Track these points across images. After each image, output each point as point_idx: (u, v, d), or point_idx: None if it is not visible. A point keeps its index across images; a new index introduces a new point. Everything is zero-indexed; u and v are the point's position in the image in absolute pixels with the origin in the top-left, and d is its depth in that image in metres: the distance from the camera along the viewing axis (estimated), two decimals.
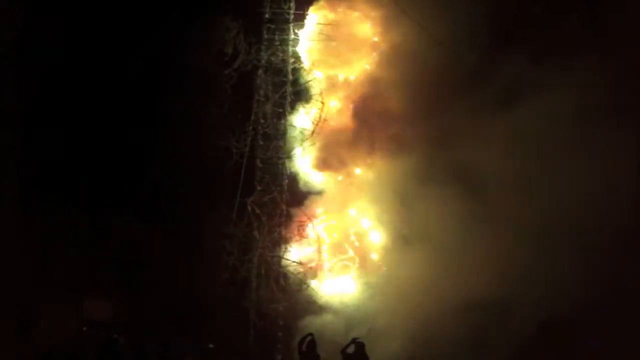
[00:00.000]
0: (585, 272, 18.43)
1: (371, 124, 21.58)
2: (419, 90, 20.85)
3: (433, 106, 20.89)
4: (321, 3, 22.17)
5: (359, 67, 22.08)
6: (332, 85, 22.06)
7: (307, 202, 21.70)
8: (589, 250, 18.54)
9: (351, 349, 15.94)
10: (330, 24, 21.99)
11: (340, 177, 21.83)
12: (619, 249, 18.79)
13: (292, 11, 22.06)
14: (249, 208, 21.27)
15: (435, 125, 20.71)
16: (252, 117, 21.81)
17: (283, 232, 21.39)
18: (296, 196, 21.76)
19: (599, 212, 18.71)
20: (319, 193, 21.74)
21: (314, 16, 22.24)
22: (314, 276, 21.26)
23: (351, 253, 21.37)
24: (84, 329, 19.99)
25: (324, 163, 21.72)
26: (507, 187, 19.68)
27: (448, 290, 19.55)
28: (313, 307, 20.87)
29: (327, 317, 20.56)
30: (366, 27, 22.17)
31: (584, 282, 18.30)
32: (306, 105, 21.94)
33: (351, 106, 21.92)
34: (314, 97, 21.86)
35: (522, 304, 19.25)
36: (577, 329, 18.94)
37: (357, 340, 16.08)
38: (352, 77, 22.11)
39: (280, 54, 22.05)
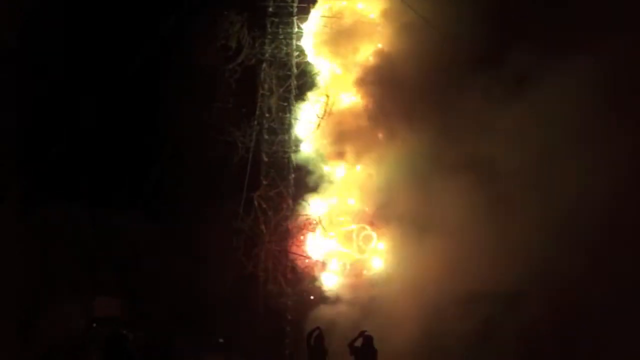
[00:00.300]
0: (595, 266, 18.23)
1: (382, 109, 21.40)
2: (427, 76, 20.68)
3: (442, 94, 20.69)
4: None
5: (367, 52, 21.86)
6: (343, 69, 21.89)
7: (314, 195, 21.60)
8: (600, 244, 18.32)
9: (359, 342, 15.77)
10: (334, 16, 21.84)
11: (348, 168, 21.65)
12: (630, 244, 18.51)
13: (295, 4, 21.97)
14: (255, 202, 21.24)
15: (445, 114, 20.50)
16: (257, 112, 21.76)
17: (290, 226, 21.29)
18: (303, 189, 21.68)
19: (611, 206, 18.47)
20: (327, 185, 21.61)
21: (319, 7, 22.09)
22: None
23: (354, 226, 21.25)
24: (94, 325, 20.11)
25: (338, 154, 21.58)
26: (518, 177, 19.49)
27: (457, 280, 19.36)
28: (325, 298, 20.79)
29: (341, 308, 20.45)
30: (371, 15, 22.01)
31: (593, 276, 18.10)
32: (312, 98, 21.82)
33: (361, 94, 21.75)
34: (319, 89, 21.76)
35: (530, 297, 19.04)
36: (585, 322, 18.70)
37: (365, 333, 15.90)
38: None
39: (285, 48, 21.98)
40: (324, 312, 20.19)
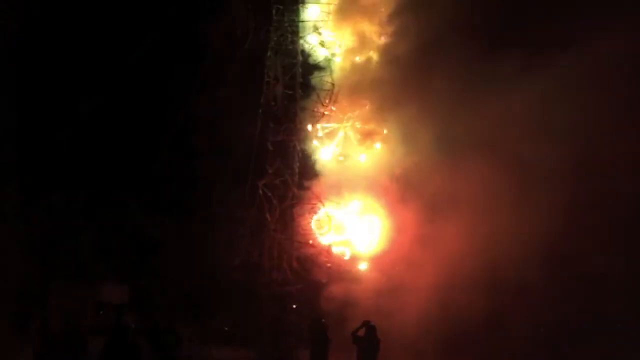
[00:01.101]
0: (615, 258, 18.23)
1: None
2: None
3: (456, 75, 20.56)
4: None
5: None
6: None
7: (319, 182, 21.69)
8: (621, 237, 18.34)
9: (362, 332, 15.86)
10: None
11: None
12: None
13: None
14: (261, 191, 21.27)
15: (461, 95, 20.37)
16: (262, 100, 21.76)
17: (295, 214, 21.34)
18: (308, 177, 21.76)
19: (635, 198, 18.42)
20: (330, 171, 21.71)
21: None
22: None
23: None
24: (101, 312, 20.21)
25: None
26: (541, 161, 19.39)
27: (473, 264, 19.28)
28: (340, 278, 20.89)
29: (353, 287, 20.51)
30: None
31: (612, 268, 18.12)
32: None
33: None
34: (325, 78, 21.81)
35: (546, 286, 18.98)
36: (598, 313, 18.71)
37: (369, 323, 15.98)
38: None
39: (290, 35, 21.92)
40: (329, 300, 20.31)
